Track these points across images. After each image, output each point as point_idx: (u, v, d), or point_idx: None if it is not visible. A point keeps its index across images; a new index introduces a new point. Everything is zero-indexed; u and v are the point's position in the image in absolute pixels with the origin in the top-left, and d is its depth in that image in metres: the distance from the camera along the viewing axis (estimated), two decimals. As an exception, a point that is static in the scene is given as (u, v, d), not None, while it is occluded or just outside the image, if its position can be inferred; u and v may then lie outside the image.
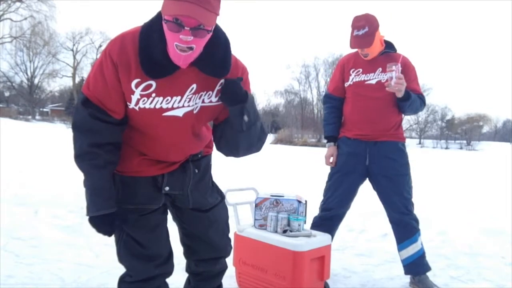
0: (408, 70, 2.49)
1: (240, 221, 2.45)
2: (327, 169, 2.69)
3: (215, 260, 1.72)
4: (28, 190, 5.35)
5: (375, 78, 2.50)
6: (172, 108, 1.34)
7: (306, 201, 2.38)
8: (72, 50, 39.41)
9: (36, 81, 41.98)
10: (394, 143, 2.54)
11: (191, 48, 1.23)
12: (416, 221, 2.54)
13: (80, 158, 1.35)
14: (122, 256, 1.59)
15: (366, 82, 2.51)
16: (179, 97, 1.34)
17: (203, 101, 1.39)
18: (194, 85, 1.35)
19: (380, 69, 2.49)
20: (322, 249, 2.21)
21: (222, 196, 1.72)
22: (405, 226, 2.52)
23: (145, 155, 1.46)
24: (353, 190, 2.62)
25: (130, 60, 1.28)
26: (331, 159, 2.63)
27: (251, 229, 2.32)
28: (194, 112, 1.39)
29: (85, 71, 41.31)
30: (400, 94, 2.37)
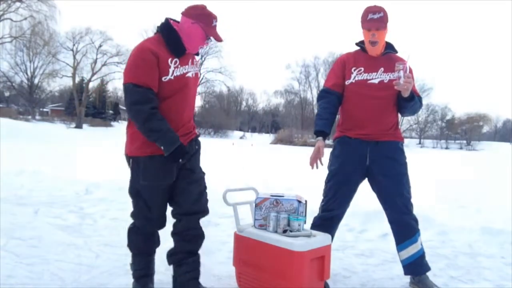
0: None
1: (240, 221, 2.45)
2: (327, 169, 2.68)
3: (195, 215, 2.24)
4: (28, 190, 5.35)
5: (378, 77, 2.49)
6: (188, 72, 2.18)
7: (306, 201, 2.37)
8: (72, 50, 39.28)
9: (36, 81, 41.87)
10: (394, 143, 2.55)
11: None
12: (416, 221, 2.54)
13: (149, 119, 2.00)
14: (136, 215, 2.25)
15: (369, 82, 2.50)
16: (187, 66, 2.18)
17: (195, 69, 2.27)
18: (190, 59, 2.23)
19: (382, 68, 2.49)
20: (322, 249, 2.21)
21: (203, 172, 2.35)
22: (405, 226, 2.52)
23: None
24: (353, 190, 2.61)
25: (161, 49, 2.07)
26: (318, 156, 2.50)
27: (251, 229, 2.32)
28: (194, 75, 2.25)
29: (85, 71, 41.22)
30: (407, 93, 2.38)
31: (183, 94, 2.15)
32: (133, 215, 2.27)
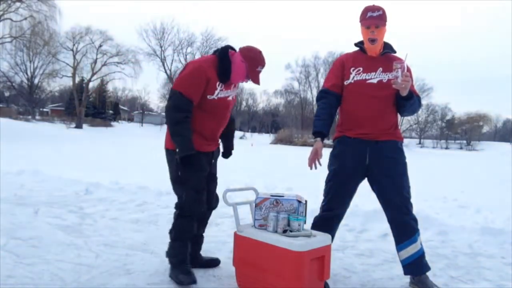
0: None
1: (240, 221, 2.45)
2: (327, 169, 2.68)
3: (211, 210, 2.76)
4: (28, 190, 5.35)
5: (376, 77, 2.50)
6: (229, 95, 2.56)
7: (306, 201, 2.37)
8: (72, 50, 39.19)
9: (36, 81, 41.82)
10: (394, 142, 2.55)
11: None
12: (415, 221, 2.54)
13: (179, 124, 2.38)
14: (186, 202, 2.50)
15: (368, 81, 2.51)
16: (229, 90, 2.56)
17: (235, 92, 2.64)
18: (232, 85, 2.58)
19: (381, 68, 2.50)
20: (322, 249, 2.21)
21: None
22: (404, 226, 2.52)
23: (204, 139, 2.51)
24: (353, 190, 2.61)
25: (213, 72, 2.45)
26: (316, 157, 2.51)
27: (251, 229, 2.32)
28: (233, 97, 2.63)
29: (84, 71, 41.15)
30: (405, 92, 2.39)
31: (221, 112, 2.55)
32: (180, 202, 2.53)
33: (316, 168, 2.52)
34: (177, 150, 2.38)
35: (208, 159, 2.57)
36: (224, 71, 2.46)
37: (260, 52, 2.48)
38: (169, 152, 2.53)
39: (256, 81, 2.49)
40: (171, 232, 2.57)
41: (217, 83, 2.45)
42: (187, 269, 2.48)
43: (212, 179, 2.68)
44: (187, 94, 2.39)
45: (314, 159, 2.52)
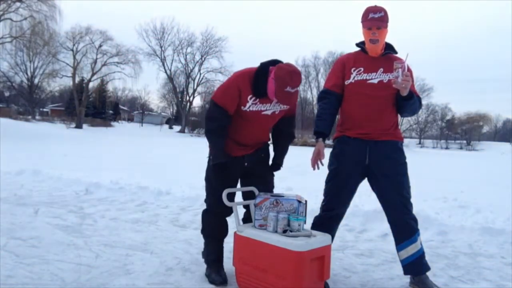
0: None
1: (240, 221, 2.45)
2: (327, 169, 2.68)
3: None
4: (28, 190, 5.35)
5: (377, 77, 2.50)
6: (266, 110, 2.51)
7: (306, 201, 2.37)
8: (72, 50, 39.08)
9: (36, 81, 41.73)
10: (394, 143, 2.55)
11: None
12: (415, 221, 2.54)
13: (212, 132, 2.47)
14: (211, 199, 2.61)
15: (368, 81, 2.51)
16: (268, 104, 2.50)
17: (281, 107, 2.54)
18: (275, 100, 2.44)
19: (382, 69, 2.49)
20: (322, 249, 2.21)
21: (273, 174, 2.74)
22: (404, 226, 2.52)
23: (236, 144, 2.55)
24: (353, 190, 2.62)
25: (246, 86, 2.45)
26: (319, 157, 2.54)
27: (251, 229, 2.32)
28: (276, 112, 2.55)
29: (84, 71, 41.02)
30: (405, 92, 2.39)
31: (256, 123, 2.55)
32: (206, 198, 2.67)
33: (318, 168, 2.55)
34: (211, 156, 2.49)
35: (238, 162, 2.56)
36: (258, 87, 2.44)
37: (290, 71, 2.33)
38: (209, 154, 2.59)
39: (286, 102, 2.41)
40: (202, 230, 2.70)
41: (249, 96, 2.45)
42: (218, 268, 2.57)
43: (261, 180, 2.62)
44: (221, 103, 2.46)
45: (316, 159, 2.54)
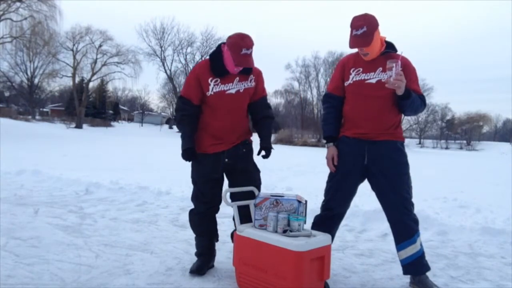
0: (408, 71, 2.48)
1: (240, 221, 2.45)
2: (327, 169, 2.68)
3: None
4: (28, 190, 5.35)
5: (375, 77, 2.49)
6: (229, 89, 2.55)
7: (306, 201, 2.38)
8: (72, 50, 39.08)
9: (36, 81, 41.77)
10: (393, 142, 2.54)
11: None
12: (415, 221, 2.53)
13: (179, 122, 2.59)
14: (194, 200, 2.73)
15: (366, 81, 2.50)
16: (231, 84, 2.55)
17: (244, 86, 2.60)
18: (237, 77, 2.57)
19: (381, 68, 2.49)
20: (322, 249, 2.21)
21: (258, 170, 2.74)
22: (403, 226, 2.51)
23: (213, 138, 2.58)
24: (354, 190, 2.62)
25: (204, 71, 2.55)
26: (333, 161, 2.59)
27: (251, 229, 2.32)
28: (241, 91, 2.58)
29: (84, 71, 41.02)
30: (399, 91, 2.36)
31: (223, 108, 2.56)
32: (191, 198, 2.75)
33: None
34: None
35: (216, 159, 2.59)
36: (215, 66, 2.52)
37: (241, 35, 2.44)
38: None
39: (245, 64, 2.45)
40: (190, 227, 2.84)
41: (209, 79, 2.53)
42: (200, 262, 2.68)
43: (245, 176, 2.63)
44: (184, 94, 2.59)
45: (332, 166, 2.60)
